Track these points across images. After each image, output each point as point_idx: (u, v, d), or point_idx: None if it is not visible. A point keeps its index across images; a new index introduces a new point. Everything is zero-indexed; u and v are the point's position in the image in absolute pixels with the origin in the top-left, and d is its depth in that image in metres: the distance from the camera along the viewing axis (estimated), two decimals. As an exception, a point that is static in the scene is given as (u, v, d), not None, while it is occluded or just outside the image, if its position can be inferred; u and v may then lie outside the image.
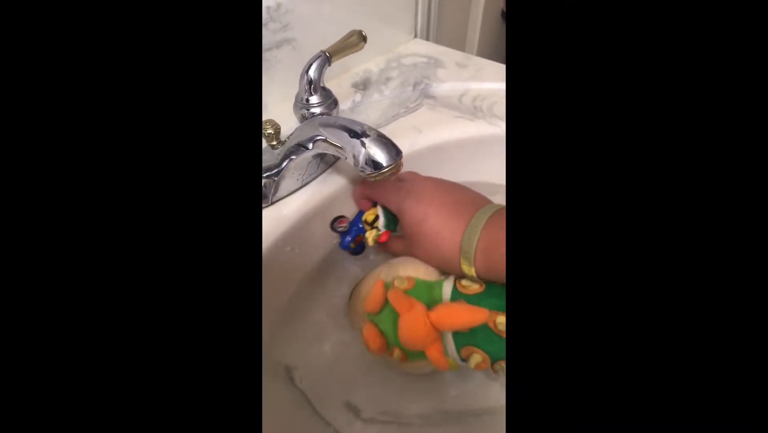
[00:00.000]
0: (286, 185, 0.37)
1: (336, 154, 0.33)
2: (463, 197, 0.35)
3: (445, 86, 0.51)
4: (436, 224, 0.33)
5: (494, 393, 0.36)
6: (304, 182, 0.38)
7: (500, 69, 0.54)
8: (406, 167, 0.42)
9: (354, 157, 0.31)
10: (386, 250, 0.39)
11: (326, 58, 0.38)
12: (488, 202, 0.35)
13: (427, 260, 0.35)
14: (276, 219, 0.36)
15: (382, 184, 0.37)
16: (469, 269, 0.32)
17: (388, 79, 0.51)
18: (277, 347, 0.35)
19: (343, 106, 0.47)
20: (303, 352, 0.38)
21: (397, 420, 0.35)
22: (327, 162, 0.40)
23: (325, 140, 0.33)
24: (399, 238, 0.38)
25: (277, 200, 0.37)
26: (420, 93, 0.50)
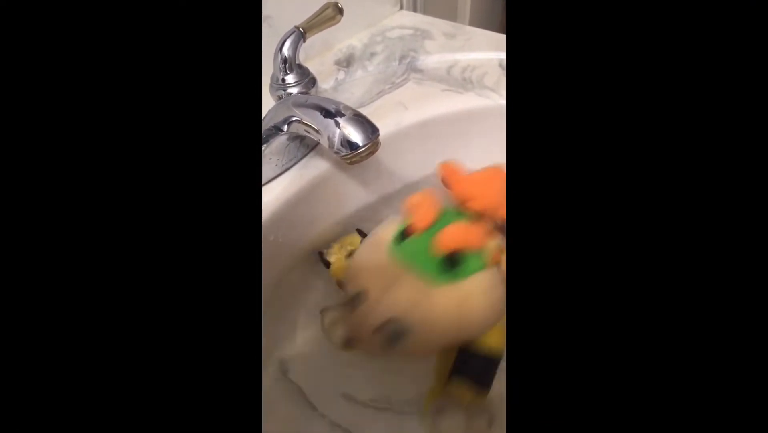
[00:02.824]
0: (265, 172, 0.36)
1: (311, 136, 0.31)
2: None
3: (433, 58, 0.48)
4: None
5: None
6: (284, 168, 0.36)
7: (491, 37, 0.51)
8: (391, 146, 0.41)
9: (329, 138, 0.29)
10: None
11: (300, 34, 0.36)
12: None
13: None
14: (255, 207, 0.35)
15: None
16: None
17: (372, 55, 0.49)
18: (266, 339, 0.34)
19: (326, 85, 0.45)
20: (292, 343, 0.37)
21: (391, 407, 0.34)
22: (307, 145, 0.38)
23: (300, 121, 0.32)
24: None
25: (257, 188, 0.36)
26: (406, 67, 0.48)
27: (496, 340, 0.27)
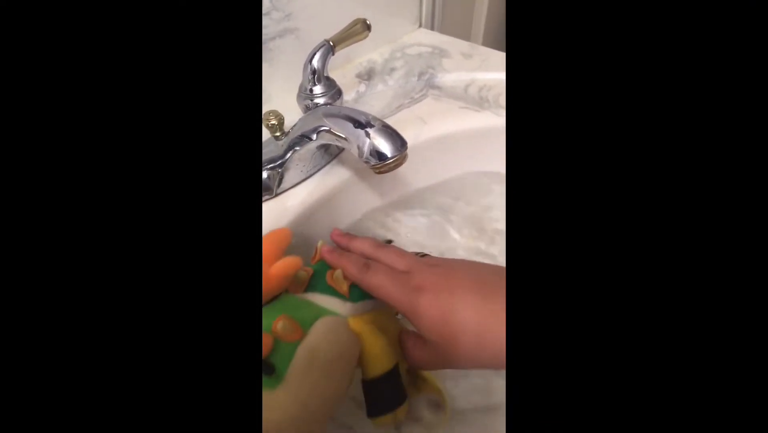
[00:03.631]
0: (290, 177, 0.37)
1: (340, 145, 0.32)
2: (479, 271, 0.28)
3: (451, 76, 0.50)
4: (469, 315, 0.25)
5: (498, 390, 0.36)
6: (308, 174, 0.38)
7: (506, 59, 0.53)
8: (410, 158, 0.42)
9: (358, 148, 0.30)
10: (411, 362, 0.28)
11: (330, 47, 0.37)
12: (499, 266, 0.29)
13: (473, 361, 0.26)
14: (280, 211, 0.36)
15: (380, 274, 0.27)
16: None
17: (392, 70, 0.51)
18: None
19: (347, 96, 0.46)
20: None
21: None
22: (331, 153, 0.39)
23: (329, 131, 0.33)
24: (419, 344, 0.27)
25: (281, 192, 0.37)
26: (425, 83, 0.49)
27: (378, 363, 0.26)
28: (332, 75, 0.39)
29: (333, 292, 0.27)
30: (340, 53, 0.43)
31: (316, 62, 0.37)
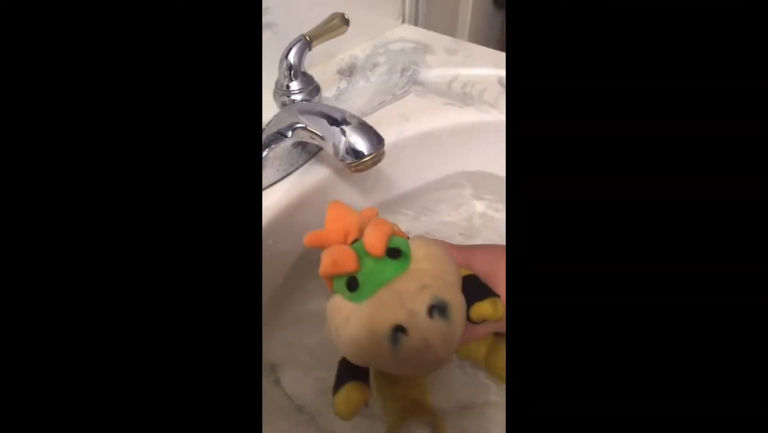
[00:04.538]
0: (266, 176, 0.36)
1: (316, 143, 0.31)
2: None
3: (434, 72, 0.49)
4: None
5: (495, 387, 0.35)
6: (285, 173, 0.37)
7: (491, 54, 0.52)
8: (392, 156, 0.41)
9: (334, 146, 0.29)
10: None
11: (307, 42, 0.36)
12: None
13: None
14: (256, 212, 0.35)
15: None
16: None
17: (374, 66, 0.50)
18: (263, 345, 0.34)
19: (328, 93, 0.45)
20: (288, 349, 0.37)
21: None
22: (309, 151, 0.38)
23: (304, 128, 0.32)
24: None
25: (257, 192, 0.36)
26: (408, 79, 0.48)
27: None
28: (313, 71, 0.38)
29: None
30: (321, 49, 0.42)
31: (292, 57, 0.36)
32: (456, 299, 0.24)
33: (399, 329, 0.23)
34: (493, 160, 0.42)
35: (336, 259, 0.24)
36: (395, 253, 0.24)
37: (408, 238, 0.26)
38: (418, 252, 0.25)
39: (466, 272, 0.27)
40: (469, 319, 0.25)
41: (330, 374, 0.35)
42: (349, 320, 0.24)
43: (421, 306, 0.23)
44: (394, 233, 0.25)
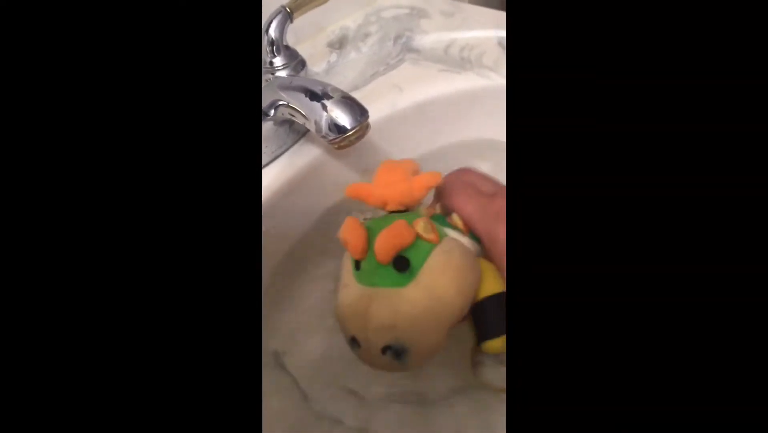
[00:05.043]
0: (254, 159, 0.34)
1: (298, 120, 0.29)
2: None
3: (430, 38, 0.46)
4: None
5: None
6: (273, 155, 0.35)
7: (489, 15, 0.49)
8: (387, 130, 0.39)
9: (316, 123, 0.27)
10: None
11: (287, 14, 0.34)
12: None
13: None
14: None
15: (463, 195, 0.28)
16: None
17: (366, 36, 0.47)
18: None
19: (318, 68, 0.43)
20: (290, 336, 0.36)
21: (402, 400, 0.33)
22: (297, 131, 0.37)
23: (287, 105, 0.30)
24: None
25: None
26: (401, 47, 0.46)
27: (487, 286, 0.26)
28: (302, 46, 0.36)
29: (455, 228, 0.27)
30: (310, 22, 0.40)
31: (273, 32, 0.34)
32: (421, 346, 0.23)
33: (354, 340, 0.24)
34: (493, 126, 0.39)
35: (347, 239, 0.25)
36: (403, 264, 0.24)
37: (438, 243, 0.25)
38: (428, 275, 0.24)
39: (493, 288, 0.25)
40: (477, 347, 0.25)
41: (339, 360, 0.35)
42: (345, 289, 0.25)
43: (378, 341, 0.23)
44: (422, 237, 0.24)
